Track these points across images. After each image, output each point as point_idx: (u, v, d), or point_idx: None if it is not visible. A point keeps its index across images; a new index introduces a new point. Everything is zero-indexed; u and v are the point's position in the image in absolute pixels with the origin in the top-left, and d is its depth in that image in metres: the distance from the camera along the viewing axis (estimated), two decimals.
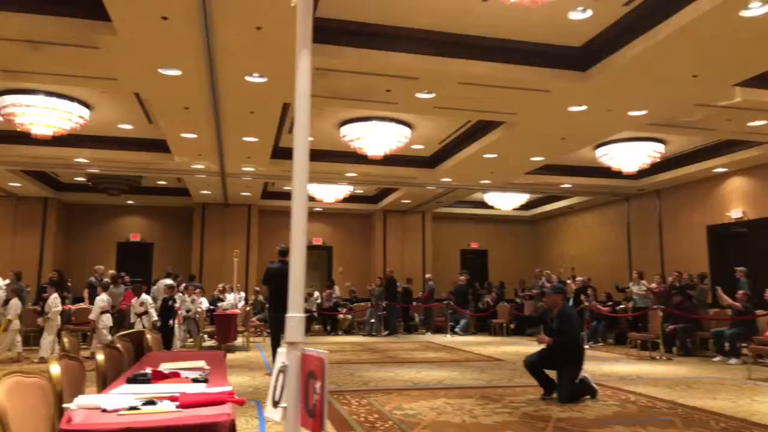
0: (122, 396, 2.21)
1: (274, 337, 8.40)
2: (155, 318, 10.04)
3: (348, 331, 16.03)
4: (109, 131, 11.09)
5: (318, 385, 1.56)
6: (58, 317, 9.79)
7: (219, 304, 12.51)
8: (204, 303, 12.31)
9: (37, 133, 9.01)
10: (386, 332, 15.44)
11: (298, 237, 1.83)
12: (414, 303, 16.85)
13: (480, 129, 10.96)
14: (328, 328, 16.16)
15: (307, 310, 14.26)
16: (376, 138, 10.36)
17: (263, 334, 13.74)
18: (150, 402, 2.08)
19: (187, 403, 2.10)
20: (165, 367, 3.00)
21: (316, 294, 15.99)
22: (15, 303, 9.55)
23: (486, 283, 18.15)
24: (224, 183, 14.61)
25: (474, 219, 20.25)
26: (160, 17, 5.92)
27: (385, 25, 6.85)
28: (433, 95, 8.32)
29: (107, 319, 10.08)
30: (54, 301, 9.94)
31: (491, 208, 17.73)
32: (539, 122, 9.45)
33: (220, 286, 14.34)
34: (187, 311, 11.56)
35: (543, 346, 6.69)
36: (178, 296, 11.38)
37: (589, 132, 10.10)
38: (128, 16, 5.92)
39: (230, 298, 13.13)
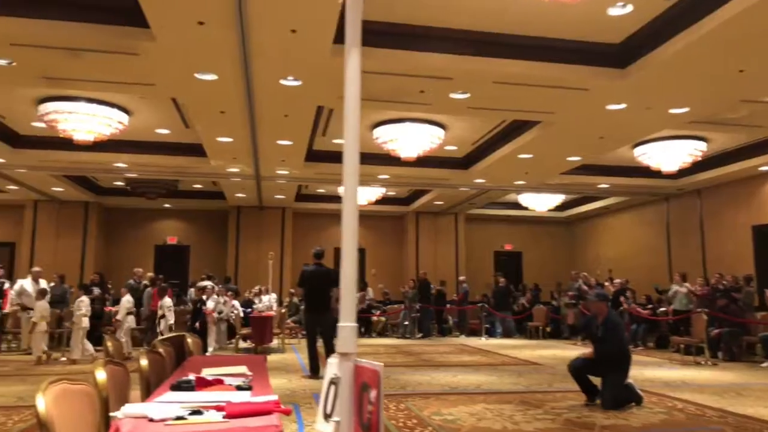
0: (168, 405, 2.19)
1: (310, 339, 8.40)
2: (171, 321, 10.13)
3: (382, 333, 15.99)
4: (147, 136, 11.28)
5: (373, 397, 1.50)
6: (84, 320, 9.88)
7: (254, 306, 12.59)
8: (237, 306, 12.39)
9: (79, 139, 9.21)
10: (420, 335, 15.34)
11: (350, 242, 1.77)
12: (448, 305, 16.71)
13: (515, 129, 10.79)
14: (362, 330, 16.15)
15: (339, 312, 14.29)
16: (410, 139, 10.30)
17: (298, 336, 13.80)
18: (196, 412, 2.06)
19: (233, 413, 2.07)
20: (207, 372, 2.99)
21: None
22: (41, 305, 9.73)
23: (521, 286, 17.90)
24: (259, 186, 14.74)
25: (508, 220, 20.01)
26: (197, 22, 5.98)
27: (419, 25, 6.78)
28: (467, 95, 8.22)
29: (131, 321, 10.21)
30: (80, 304, 10.07)
31: (525, 209, 17.50)
32: (577, 121, 9.26)
33: (255, 288, 14.44)
34: (219, 313, 11.66)
35: (588, 350, 6.51)
36: (213, 298, 11.50)
37: (628, 131, 9.85)
38: (166, 22, 5.99)
39: (265, 299, 13.21)
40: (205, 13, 5.81)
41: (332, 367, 1.71)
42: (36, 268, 11.08)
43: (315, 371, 8.16)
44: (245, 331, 11.68)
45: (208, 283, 12.32)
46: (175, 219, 18.77)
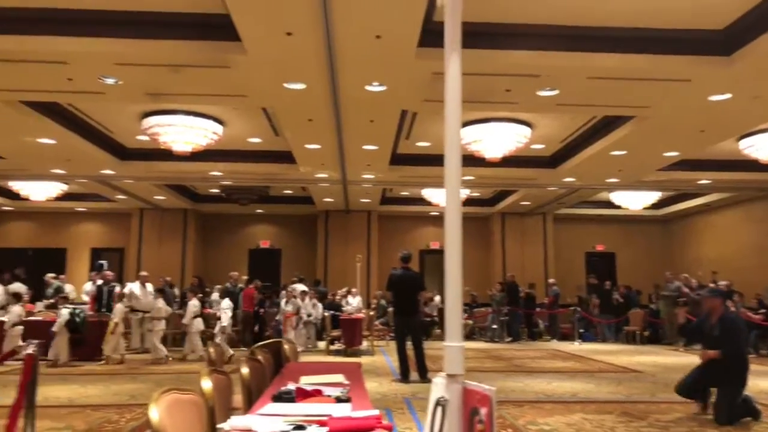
0: (272, 418, 2.23)
1: (399, 342, 8.41)
2: (225, 324, 10.37)
3: (469, 337, 15.79)
4: (240, 145, 11.76)
5: (485, 421, 1.45)
6: (197, 320, 10.42)
7: (344, 309, 12.79)
8: (319, 308, 12.53)
9: (178, 150, 9.75)
10: (509, 339, 15.02)
11: (453, 264, 1.70)
12: (537, 309, 16.25)
13: (606, 125, 10.33)
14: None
15: (427, 315, 14.25)
16: (495, 140, 10.10)
17: (386, 339, 13.89)
18: (299, 427, 2.08)
19: (336, 429, 2.08)
20: (305, 381, 3.04)
21: (437, 298, 15.90)
22: (119, 308, 10.33)
23: (614, 287, 17.09)
24: (345, 190, 15.00)
25: (599, 220, 19.19)
26: (285, 33, 6.15)
27: (504, 23, 6.62)
28: (556, 92, 7.95)
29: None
30: (191, 306, 10.60)
31: (618, 207, 16.69)
32: (675, 114, 8.72)
33: (342, 290, 14.68)
34: (309, 316, 11.89)
35: (699, 363, 6.02)
36: (292, 301, 11.71)
37: (733, 122, 9.16)
38: (256, 35, 6.20)
39: (353, 302, 13.39)
40: (293, 24, 5.97)
41: (438, 387, 1.65)
42: (143, 273, 11.85)
43: (405, 375, 8.17)
44: (335, 333, 11.89)
45: (300, 286, 12.66)
46: (267, 224, 19.47)
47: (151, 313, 10.35)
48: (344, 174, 13.10)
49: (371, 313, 13.29)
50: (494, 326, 15.24)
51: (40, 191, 14.57)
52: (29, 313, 10.76)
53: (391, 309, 12.48)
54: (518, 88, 7.85)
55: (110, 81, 7.52)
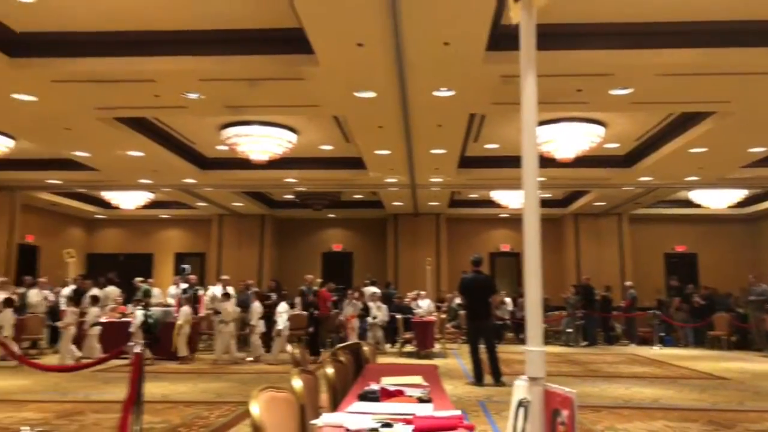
0: (360, 416, 2.38)
1: (472, 346, 8.43)
2: (280, 327, 10.56)
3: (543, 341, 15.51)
4: (313, 152, 12.14)
5: (566, 422, 1.52)
6: (260, 323, 10.80)
7: (415, 311, 12.89)
8: (384, 310, 12.53)
9: (255, 159, 10.21)
10: (585, 343, 14.66)
11: (533, 262, 1.78)
12: (614, 312, 15.75)
13: (685, 122, 9.95)
14: (521, 336, 15.80)
15: (498, 318, 14.13)
16: (567, 140, 9.95)
17: (458, 341, 13.90)
18: (387, 424, 2.22)
19: (422, 427, 2.20)
20: (387, 382, 3.18)
21: (508, 301, 15.75)
22: (185, 310, 10.82)
23: (696, 290, 16.31)
24: (414, 194, 15.15)
25: (679, 219, 18.38)
26: (356, 44, 6.35)
27: (574, 23, 6.56)
28: (629, 90, 7.78)
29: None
30: (254, 310, 11.02)
31: (699, 206, 15.94)
32: (761, 109, 8.31)
33: (412, 293, 14.78)
34: (374, 318, 11.99)
35: None
36: (352, 303, 11.83)
37: None
38: (328, 47, 6.44)
39: (423, 305, 13.47)
40: (364, 35, 6.16)
41: (520, 389, 1.74)
42: (224, 276, 12.45)
43: (479, 379, 8.19)
44: (407, 335, 12.03)
45: (372, 288, 12.87)
46: (339, 228, 19.92)
47: (221, 316, 10.80)
48: (413, 178, 13.24)
49: (443, 315, 13.33)
50: (569, 330, 14.92)
51: (129, 200, 15.63)
52: (122, 315, 11.52)
53: (462, 312, 12.50)
54: (590, 87, 7.73)
55: (193, 96, 7.99)
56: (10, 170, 12.81)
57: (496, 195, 15.49)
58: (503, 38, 6.37)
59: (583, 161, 11.35)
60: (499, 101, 8.12)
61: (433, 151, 10.92)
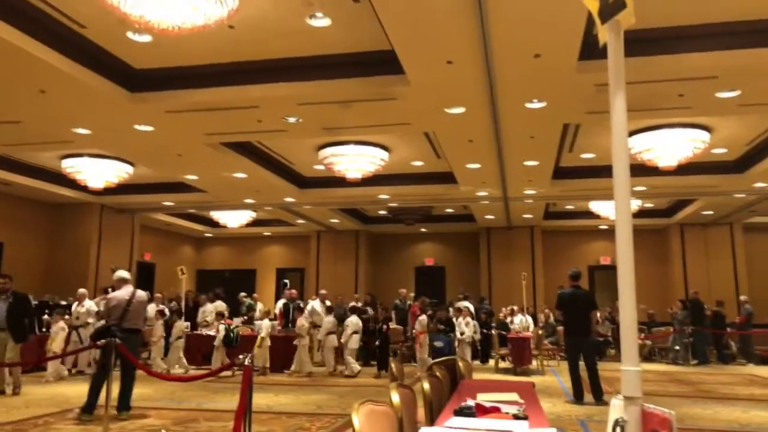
0: (458, 431, 2.46)
1: (572, 363, 8.20)
2: (343, 340, 10.55)
3: (648, 358, 14.73)
4: (404, 168, 12.37)
5: None
6: (354, 337, 10.96)
7: (512, 326, 12.70)
8: (472, 325, 12.30)
9: (350, 177, 10.58)
10: (695, 361, 13.75)
11: (626, 276, 1.78)
12: (728, 329, 14.67)
13: None
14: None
15: (600, 335, 13.60)
16: (668, 147, 9.52)
17: (556, 358, 13.52)
18: None
19: None
20: (482, 398, 3.22)
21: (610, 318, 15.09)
22: (266, 323, 11.16)
23: None
24: (507, 207, 14.98)
25: None
26: (446, 62, 6.50)
27: (674, 26, 6.33)
28: (737, 93, 7.37)
29: (333, 340, 11.04)
30: (326, 322, 11.23)
31: None
32: None
33: (507, 308, 14.56)
34: (462, 334, 11.80)
35: None
36: (420, 320, 11.71)
37: None
38: (418, 66, 6.63)
39: (517, 320, 13.23)
40: (453, 53, 6.30)
41: (616, 408, 1.74)
42: (323, 291, 12.90)
43: (579, 397, 7.95)
44: (503, 351, 11.87)
45: (465, 303, 12.83)
46: (431, 242, 20.03)
47: (320, 329, 11.13)
48: (505, 191, 13.12)
49: (540, 331, 13.02)
50: (677, 347, 14.06)
51: (234, 219, 16.63)
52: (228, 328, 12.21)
53: (560, 328, 12.15)
54: (693, 91, 7.39)
55: (292, 120, 8.45)
56: (130, 194, 14.02)
57: (594, 206, 14.98)
58: (595, 47, 6.26)
59: (688, 168, 10.79)
60: (594, 110, 7.95)
61: (526, 163, 10.81)
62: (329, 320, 11.10)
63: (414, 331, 11.68)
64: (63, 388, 8.98)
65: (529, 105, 7.80)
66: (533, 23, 5.62)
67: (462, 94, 7.49)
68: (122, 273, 7.23)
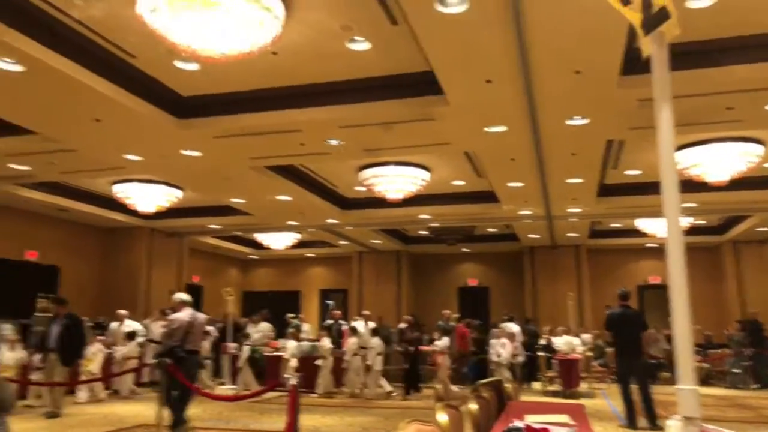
0: None
1: (623, 386, 7.93)
2: (369, 362, 10.46)
3: (705, 382, 14.09)
4: (445, 188, 12.35)
5: None
6: (378, 359, 10.85)
7: (557, 347, 12.39)
8: (508, 347, 11.88)
9: (391, 197, 10.63)
10: (756, 385, 13.09)
11: (680, 297, 1.74)
12: None
13: None
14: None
15: (652, 357, 13.12)
16: (717, 162, 9.23)
17: (606, 381, 13.09)
18: None
19: None
20: (531, 420, 3.16)
21: (662, 339, 14.56)
22: (325, 342, 11.14)
23: None
24: (551, 226, 14.74)
25: None
26: (485, 81, 6.50)
27: (720, 38, 6.18)
28: None
29: (378, 363, 10.89)
30: (350, 343, 11.18)
31: None
32: None
33: (559, 328, 14.15)
34: (498, 356, 11.49)
35: None
36: (443, 339, 11.51)
37: None
38: (458, 86, 6.66)
39: (558, 341, 12.86)
40: (492, 72, 6.30)
41: (673, 430, 1.68)
42: (365, 312, 12.88)
43: (632, 421, 7.67)
44: (550, 373, 11.58)
45: (511, 325, 12.60)
46: (474, 262, 19.83)
47: (367, 350, 11.10)
48: (548, 209, 12.92)
49: (588, 353, 12.66)
50: (735, 370, 13.43)
51: (278, 241, 16.87)
52: (275, 349, 12.32)
53: (610, 350, 11.78)
54: (743, 104, 7.18)
55: (334, 142, 8.58)
56: (179, 218, 14.42)
57: (642, 223, 14.59)
58: (638, 61, 6.17)
59: (741, 183, 10.40)
60: (637, 126, 7.79)
61: (569, 181, 10.64)
62: (377, 342, 11.08)
63: (436, 350, 11.49)
64: (106, 408, 9.19)
65: (570, 122, 7.70)
66: (573, 39, 5.58)
67: (502, 113, 7.46)
68: (183, 295, 7.33)
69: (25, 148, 8.96)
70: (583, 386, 11.52)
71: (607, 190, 11.97)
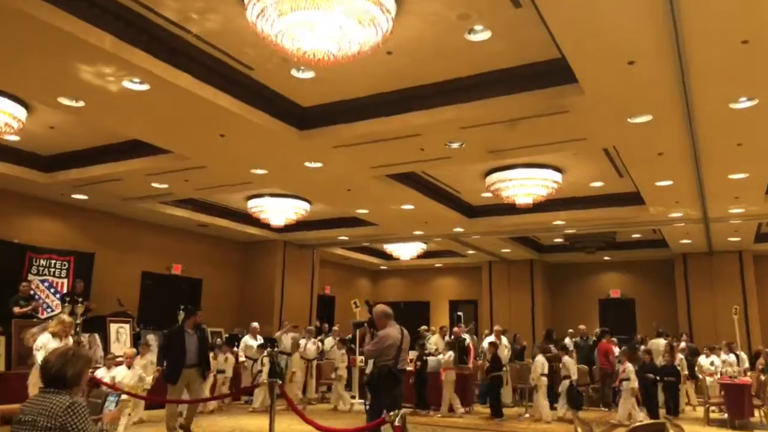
0: None
1: None
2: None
3: None
4: (581, 191, 11.35)
5: None
6: (542, 379, 9.84)
7: (712, 368, 10.75)
8: (630, 368, 10.09)
9: (520, 203, 9.90)
10: None
11: None
12: None
13: None
14: None
15: None
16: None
17: None
18: None
19: None
20: None
21: None
22: (449, 354, 10.40)
23: None
24: (708, 229, 13.11)
25: None
26: (626, 63, 5.67)
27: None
28: None
29: (543, 383, 9.80)
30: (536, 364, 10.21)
31: None
32: None
33: (723, 345, 12.35)
34: (565, 377, 9.96)
35: None
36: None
37: None
38: (593, 71, 5.88)
39: (717, 361, 11.20)
40: (635, 51, 5.46)
41: None
42: (497, 327, 12.03)
43: None
44: (715, 399, 10.05)
45: (660, 341, 11.21)
46: (617, 271, 18.38)
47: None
48: (705, 211, 11.43)
49: (762, 376, 10.86)
50: None
51: (405, 251, 16.66)
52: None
53: None
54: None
55: (455, 145, 8.07)
56: (310, 230, 14.69)
57: None
58: None
59: None
60: None
61: (732, 177, 9.24)
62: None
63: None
64: (232, 421, 9.19)
65: (734, 105, 6.56)
66: (737, 1, 4.63)
67: (648, 100, 6.52)
68: (386, 308, 6.39)
69: (162, 167, 9.45)
70: (757, 416, 9.86)
71: None
